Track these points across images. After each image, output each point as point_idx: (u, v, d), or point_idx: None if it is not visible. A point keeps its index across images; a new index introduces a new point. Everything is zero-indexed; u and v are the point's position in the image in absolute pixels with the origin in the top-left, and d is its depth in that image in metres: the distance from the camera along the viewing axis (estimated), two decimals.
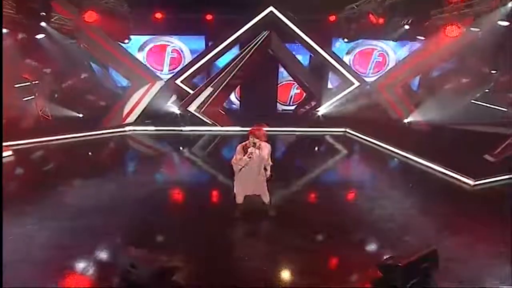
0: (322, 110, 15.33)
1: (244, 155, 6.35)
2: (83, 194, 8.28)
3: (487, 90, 14.76)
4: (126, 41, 14.04)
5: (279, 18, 14.40)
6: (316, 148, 13.29)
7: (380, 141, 12.61)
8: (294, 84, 16.80)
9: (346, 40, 15.13)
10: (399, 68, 15.29)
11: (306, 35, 14.70)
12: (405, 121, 14.63)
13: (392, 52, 16.40)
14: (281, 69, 16.33)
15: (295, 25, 14.51)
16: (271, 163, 6.76)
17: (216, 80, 14.31)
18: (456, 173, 9.67)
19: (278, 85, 16.72)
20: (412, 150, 11.31)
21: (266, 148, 6.51)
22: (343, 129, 14.41)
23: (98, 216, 7.12)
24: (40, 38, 11.89)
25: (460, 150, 11.19)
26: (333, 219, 7.26)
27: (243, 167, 6.45)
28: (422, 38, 13.83)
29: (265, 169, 6.71)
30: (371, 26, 13.84)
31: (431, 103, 13.95)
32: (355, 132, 13.99)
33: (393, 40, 15.20)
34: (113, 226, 6.74)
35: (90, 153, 11.59)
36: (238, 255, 6.10)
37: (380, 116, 14.65)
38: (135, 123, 14.06)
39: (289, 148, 13.72)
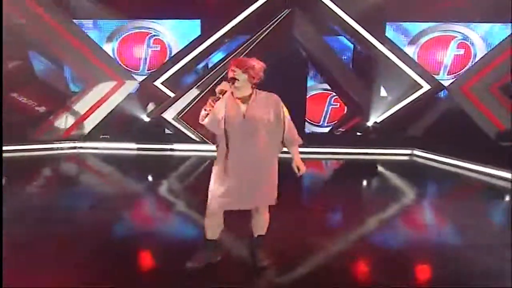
0: (375, 123, 10.68)
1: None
2: None
3: None
4: None
5: None
6: (366, 182, 7.87)
7: (472, 164, 8.08)
8: (330, 94, 12.15)
9: None
10: (493, 60, 10.22)
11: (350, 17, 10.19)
12: None
13: (481, 40, 11.18)
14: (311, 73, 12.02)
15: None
16: (300, 140, 3.17)
17: (205, 78, 9.94)
18: None
19: (308, 96, 12.08)
20: None
21: (272, 101, 3.09)
22: (408, 151, 9.58)
23: None
24: None
25: None
26: None
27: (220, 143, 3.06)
28: None
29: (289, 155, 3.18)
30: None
31: None
32: (429, 153, 9.13)
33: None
34: None
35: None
36: None
37: (466, 130, 9.95)
38: (86, 137, 10.05)
39: (322, 180, 8.39)
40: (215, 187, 3.06)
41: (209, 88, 9.46)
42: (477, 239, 4.36)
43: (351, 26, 10.26)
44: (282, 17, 10.08)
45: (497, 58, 10.10)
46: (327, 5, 10.13)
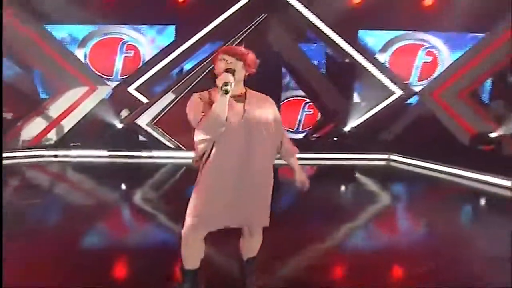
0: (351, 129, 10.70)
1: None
2: None
3: None
4: None
5: None
6: (344, 187, 7.90)
7: (449, 167, 8.18)
8: (304, 101, 12.17)
9: None
10: (462, 67, 10.51)
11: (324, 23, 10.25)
12: (492, 135, 9.60)
13: (446, 49, 11.58)
14: (285, 79, 11.92)
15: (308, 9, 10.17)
16: (297, 150, 2.70)
17: (180, 83, 9.82)
18: None
19: (282, 103, 11.89)
20: None
21: (268, 103, 2.59)
22: (385, 156, 9.67)
23: None
24: None
25: None
26: None
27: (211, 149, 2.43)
28: None
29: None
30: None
31: None
32: (405, 158, 9.19)
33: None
34: None
35: None
36: None
37: (440, 137, 10.17)
38: (56, 145, 9.62)
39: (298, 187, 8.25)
40: (202, 205, 2.44)
41: (184, 93, 9.35)
42: (456, 242, 4.38)
43: (324, 33, 10.30)
44: (258, 22, 10.06)
45: (466, 65, 10.34)
46: (301, 12, 10.17)
